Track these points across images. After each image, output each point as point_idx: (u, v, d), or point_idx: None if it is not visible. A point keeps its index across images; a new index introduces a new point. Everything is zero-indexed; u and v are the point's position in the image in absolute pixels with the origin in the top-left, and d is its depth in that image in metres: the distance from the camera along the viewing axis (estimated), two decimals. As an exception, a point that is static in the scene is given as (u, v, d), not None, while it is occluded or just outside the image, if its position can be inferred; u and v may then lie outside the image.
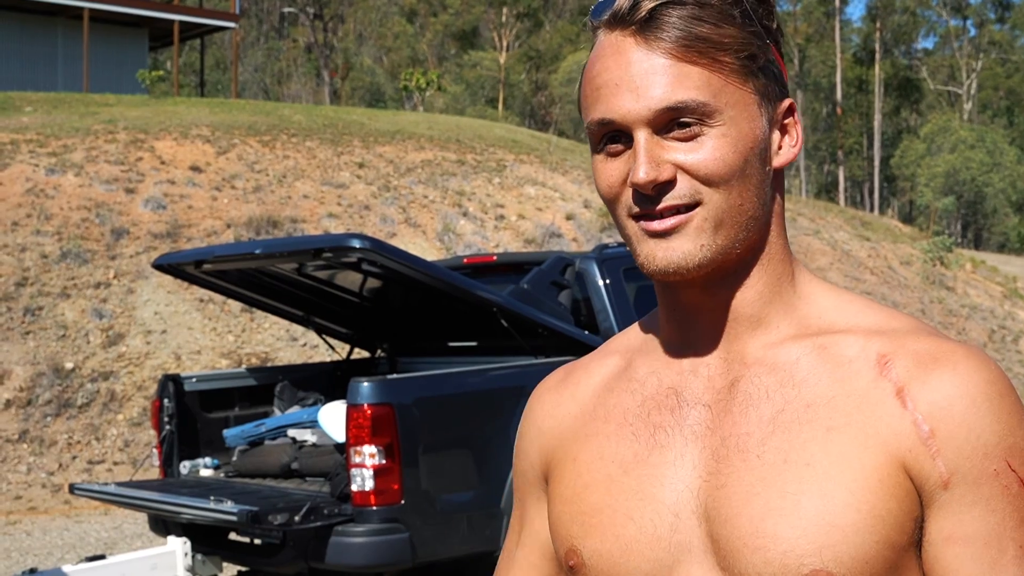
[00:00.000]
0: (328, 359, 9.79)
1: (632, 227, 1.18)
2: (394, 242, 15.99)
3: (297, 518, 5.53)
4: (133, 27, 31.63)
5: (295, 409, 7.17)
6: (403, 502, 5.66)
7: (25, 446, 11.83)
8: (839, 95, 68.11)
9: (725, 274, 1.20)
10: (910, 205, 66.64)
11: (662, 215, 1.16)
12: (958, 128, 60.15)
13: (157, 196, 16.02)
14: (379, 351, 8.19)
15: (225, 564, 6.53)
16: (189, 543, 6.11)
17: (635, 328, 1.36)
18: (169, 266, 7.02)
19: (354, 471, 5.59)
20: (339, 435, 6.25)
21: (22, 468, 11.61)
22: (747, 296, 1.21)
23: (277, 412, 7.24)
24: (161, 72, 29.12)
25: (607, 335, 6.55)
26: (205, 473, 6.95)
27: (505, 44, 66.18)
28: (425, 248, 16.62)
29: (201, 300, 14.18)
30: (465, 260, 7.85)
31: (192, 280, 7.34)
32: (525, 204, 19.20)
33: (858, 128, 71.72)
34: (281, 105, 27.28)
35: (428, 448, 5.82)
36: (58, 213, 15.02)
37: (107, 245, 14.70)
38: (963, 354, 1.13)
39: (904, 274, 23.44)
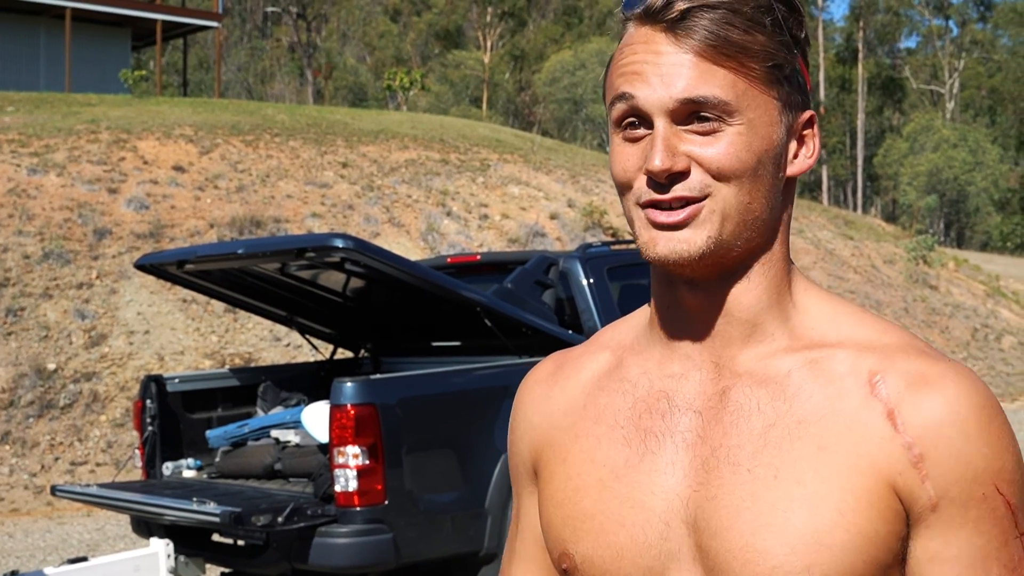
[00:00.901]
0: (311, 359, 9.77)
1: (639, 214, 1.19)
2: (378, 242, 15.97)
3: (280, 519, 5.51)
4: (116, 27, 31.54)
5: (278, 410, 7.15)
6: (387, 503, 5.64)
7: (7, 447, 11.78)
8: (822, 94, 68.29)
9: (724, 273, 1.21)
10: (893, 204, 66.86)
11: (671, 206, 1.17)
12: (941, 127, 60.39)
13: (140, 196, 15.96)
14: (362, 351, 8.17)
15: (208, 566, 6.50)
16: (172, 545, 6.08)
17: (627, 322, 1.36)
18: (152, 266, 6.98)
19: (337, 472, 5.57)
20: (322, 436, 6.24)
21: (4, 469, 11.55)
22: (744, 300, 1.21)
23: (260, 413, 7.21)
24: (144, 72, 29.02)
25: (591, 335, 6.53)
26: (188, 474, 6.93)
27: (489, 44, 66.17)
28: (409, 248, 16.60)
29: (184, 300, 14.14)
30: (449, 260, 7.84)
31: (175, 280, 7.31)
32: (509, 203, 19.19)
33: (841, 127, 71.91)
34: (264, 105, 27.23)
35: (412, 448, 5.81)
36: (40, 213, 14.95)
37: (89, 245, 14.64)
38: (953, 377, 1.14)
39: (887, 273, 23.51)
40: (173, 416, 7.02)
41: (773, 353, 1.21)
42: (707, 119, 1.16)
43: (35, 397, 12.29)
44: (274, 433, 6.74)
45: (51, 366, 12.64)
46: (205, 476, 6.91)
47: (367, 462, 5.56)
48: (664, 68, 1.16)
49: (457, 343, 7.43)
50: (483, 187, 19.61)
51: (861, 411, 1.14)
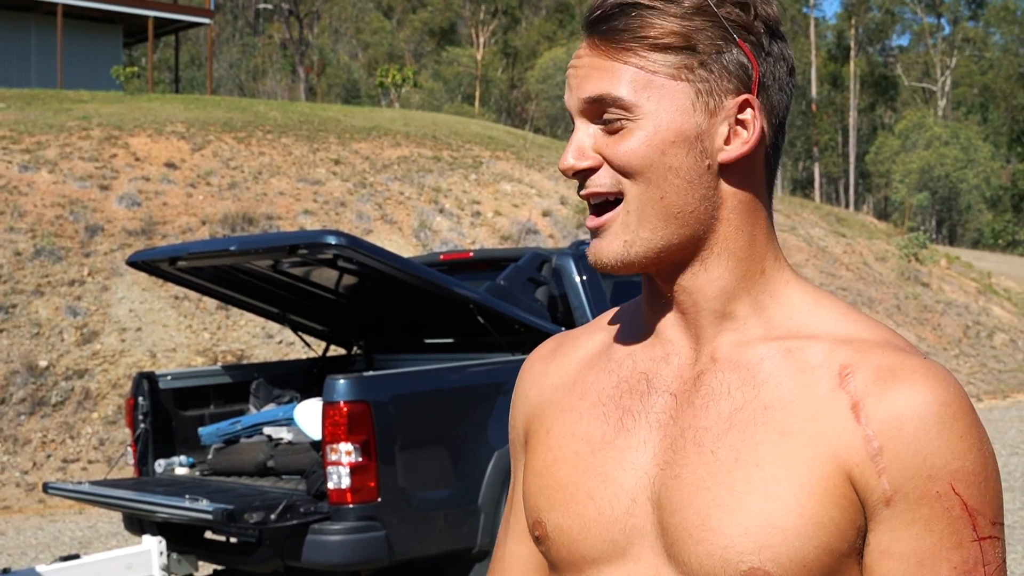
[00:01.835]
0: (304, 356, 9.76)
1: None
2: (370, 239, 15.95)
3: (273, 516, 5.50)
4: (107, 23, 31.44)
5: (271, 407, 7.14)
6: (380, 500, 5.64)
7: (-1, 445, 11.75)
8: (814, 92, 68.34)
9: (675, 266, 1.23)
10: (885, 201, 66.95)
11: (595, 208, 1.23)
12: (933, 125, 60.41)
13: (132, 193, 15.93)
14: (355, 348, 8.16)
15: (201, 563, 6.49)
16: (164, 542, 6.07)
17: (625, 307, 1.39)
18: (144, 263, 6.97)
19: (330, 469, 5.56)
20: (315, 433, 6.23)
21: (-5, 467, 11.53)
22: (709, 290, 1.23)
23: (253, 410, 7.20)
24: (136, 68, 28.92)
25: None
26: (180, 471, 6.91)
27: (482, 41, 66.13)
28: (401, 245, 16.59)
29: (176, 297, 14.11)
30: (442, 257, 7.83)
31: (167, 277, 7.30)
32: (501, 200, 19.19)
33: (833, 125, 71.98)
34: (256, 101, 27.17)
35: (405, 445, 5.80)
36: (32, 210, 14.92)
37: (81, 242, 14.61)
38: (922, 373, 1.14)
39: (879, 270, 23.54)
40: (165, 413, 7.00)
41: (749, 341, 1.22)
42: (611, 117, 1.20)
43: (27, 394, 12.26)
44: (267, 430, 6.73)
45: (43, 363, 12.61)
46: (197, 473, 6.90)
47: (360, 459, 5.56)
48: (579, 72, 1.22)
49: (450, 340, 7.42)
50: (476, 184, 19.60)
51: (827, 401, 1.15)
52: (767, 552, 1.11)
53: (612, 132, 1.20)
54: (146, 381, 6.92)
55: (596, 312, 6.74)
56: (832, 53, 72.98)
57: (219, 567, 6.81)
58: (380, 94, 39.74)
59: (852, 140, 67.49)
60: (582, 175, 1.22)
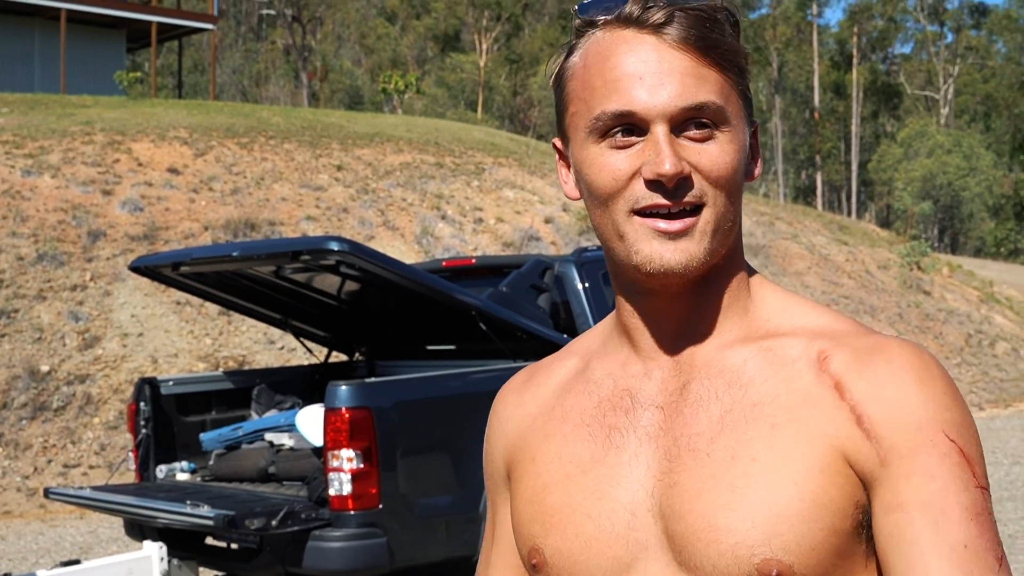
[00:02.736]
0: (306, 362, 9.75)
1: (636, 223, 1.18)
2: (372, 245, 15.96)
3: (274, 522, 5.50)
4: (111, 28, 31.49)
5: (272, 413, 7.14)
6: (381, 506, 5.63)
7: (0, 449, 11.75)
8: (816, 100, 68.37)
9: (698, 281, 1.22)
10: (887, 209, 66.92)
11: (670, 213, 1.16)
12: (935, 133, 60.44)
13: (134, 198, 15.94)
14: (357, 354, 8.16)
15: (202, 569, 6.49)
16: (165, 548, 6.06)
17: (596, 330, 1.39)
18: (146, 268, 6.97)
19: (332, 475, 5.56)
20: (317, 439, 6.22)
21: (-3, 472, 11.52)
22: (708, 308, 1.24)
23: (254, 416, 7.20)
24: (139, 74, 28.98)
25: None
26: (182, 477, 6.91)
27: (485, 47, 66.19)
28: (403, 251, 16.59)
29: (178, 303, 14.11)
30: (444, 263, 7.83)
31: (169, 283, 7.30)
32: (504, 207, 19.19)
33: (836, 133, 71.99)
34: (259, 107, 27.19)
35: (406, 452, 5.80)
36: (34, 215, 14.93)
37: (84, 247, 14.61)
38: (897, 345, 1.17)
39: (881, 278, 23.53)
40: (167, 419, 7.00)
41: (730, 344, 1.23)
42: (704, 125, 1.16)
43: (28, 399, 12.26)
44: (268, 436, 6.73)
45: (44, 368, 12.61)
46: (199, 479, 6.90)
47: (361, 466, 5.55)
48: (663, 75, 1.15)
49: (452, 347, 7.42)
50: (478, 191, 19.60)
51: (811, 388, 1.17)
52: (777, 541, 1.12)
53: (700, 140, 1.16)
54: (148, 386, 6.92)
55: (598, 318, 6.73)
56: (835, 61, 73.01)
57: (220, 573, 6.80)
58: (383, 100, 39.77)
59: (855, 148, 67.50)
60: (679, 182, 1.15)
